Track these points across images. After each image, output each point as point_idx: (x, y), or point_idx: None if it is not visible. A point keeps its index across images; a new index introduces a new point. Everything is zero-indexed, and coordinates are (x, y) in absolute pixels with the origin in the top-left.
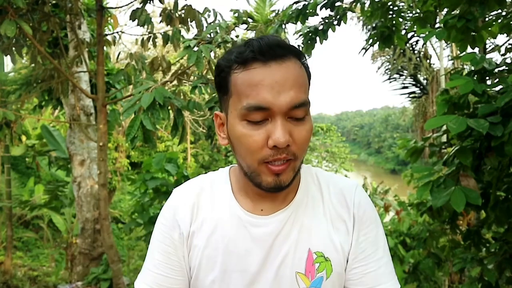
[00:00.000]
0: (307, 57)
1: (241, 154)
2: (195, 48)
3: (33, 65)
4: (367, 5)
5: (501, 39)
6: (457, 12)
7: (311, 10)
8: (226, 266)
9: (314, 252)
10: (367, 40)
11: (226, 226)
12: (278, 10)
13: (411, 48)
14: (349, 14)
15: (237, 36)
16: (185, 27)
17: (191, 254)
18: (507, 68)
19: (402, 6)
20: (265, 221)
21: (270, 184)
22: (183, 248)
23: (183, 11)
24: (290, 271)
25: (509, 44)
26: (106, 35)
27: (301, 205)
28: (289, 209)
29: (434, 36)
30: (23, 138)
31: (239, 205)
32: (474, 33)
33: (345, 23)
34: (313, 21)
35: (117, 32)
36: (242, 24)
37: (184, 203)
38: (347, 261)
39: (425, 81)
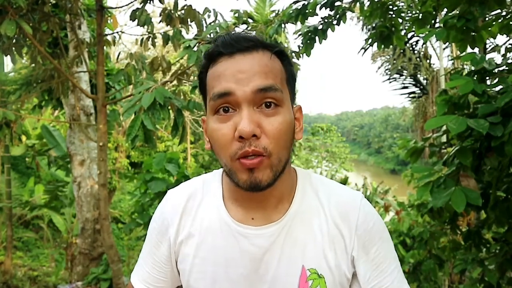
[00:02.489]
0: (286, 54)
1: (216, 152)
2: (195, 48)
3: (33, 65)
4: (366, 5)
5: (501, 39)
6: (457, 12)
7: (310, 10)
8: (216, 276)
9: (307, 269)
10: (366, 40)
11: (216, 236)
12: (278, 10)
13: (411, 48)
14: (349, 14)
15: None
16: (185, 27)
17: (181, 260)
18: (507, 68)
19: (402, 6)
20: (255, 232)
21: (246, 182)
22: (169, 254)
23: (183, 11)
24: (282, 287)
25: (509, 44)
26: (106, 35)
27: (296, 218)
28: (283, 222)
29: (434, 36)
30: (23, 138)
31: (228, 213)
32: (474, 33)
33: (344, 22)
34: (312, 21)
35: (117, 32)
36: (242, 24)
37: (173, 209)
38: (345, 279)
39: (425, 81)
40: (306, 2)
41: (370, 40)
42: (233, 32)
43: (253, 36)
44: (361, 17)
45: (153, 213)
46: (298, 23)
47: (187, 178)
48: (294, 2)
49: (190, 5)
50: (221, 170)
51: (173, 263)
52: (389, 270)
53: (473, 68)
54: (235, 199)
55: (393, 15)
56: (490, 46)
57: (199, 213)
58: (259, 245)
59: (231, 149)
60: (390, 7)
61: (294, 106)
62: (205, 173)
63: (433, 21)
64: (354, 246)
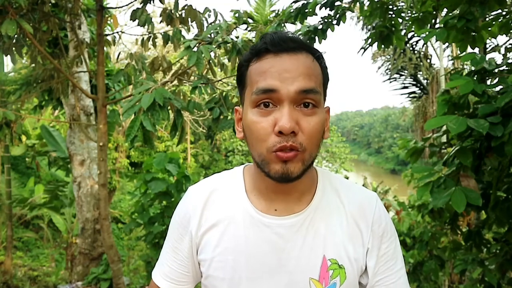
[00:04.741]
0: (323, 58)
1: (252, 143)
2: (195, 49)
3: (33, 65)
4: (366, 5)
5: (502, 39)
6: (457, 12)
7: (310, 10)
8: (236, 266)
9: (328, 259)
10: (366, 40)
11: (238, 225)
12: (278, 10)
13: (411, 48)
14: (350, 14)
15: (237, 37)
16: (186, 27)
17: (202, 251)
18: (507, 68)
19: (402, 6)
20: (278, 222)
21: (278, 172)
22: (191, 246)
23: (183, 11)
24: (303, 277)
25: (509, 44)
26: (106, 35)
27: (318, 211)
28: (305, 213)
29: (434, 36)
30: (23, 138)
31: (251, 204)
32: (474, 33)
33: (344, 22)
34: (312, 21)
35: (117, 32)
36: (242, 24)
37: (195, 202)
38: (361, 273)
39: (425, 81)
40: (305, 2)
41: (369, 40)
42: (280, 31)
43: (298, 38)
44: (361, 17)
45: (153, 213)
46: (298, 23)
47: (187, 178)
48: (294, 2)
49: (191, 5)
50: (241, 166)
51: (194, 256)
52: (396, 268)
53: (473, 68)
54: (259, 191)
55: (393, 15)
56: (490, 46)
57: (221, 205)
58: (282, 234)
59: (269, 142)
60: (390, 7)
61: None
62: (205, 173)
63: (433, 21)
64: (369, 240)
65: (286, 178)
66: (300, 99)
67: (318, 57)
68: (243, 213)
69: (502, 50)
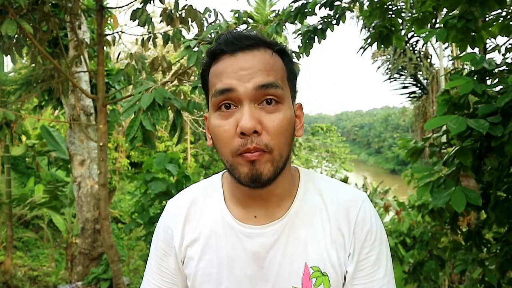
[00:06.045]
0: (292, 54)
1: (218, 148)
2: (195, 49)
3: (33, 65)
4: (366, 5)
5: (502, 39)
6: (457, 12)
7: (309, 9)
8: (220, 278)
9: (310, 267)
10: (365, 40)
11: (219, 237)
12: (278, 10)
13: (411, 48)
14: (350, 14)
15: None
16: (186, 27)
17: (186, 265)
18: (507, 68)
19: (402, 6)
20: (258, 231)
21: (248, 174)
22: (175, 262)
23: (183, 11)
24: (286, 286)
25: (509, 44)
26: (106, 35)
27: (298, 215)
28: (285, 220)
29: (434, 36)
30: (23, 138)
31: (230, 214)
32: (474, 33)
33: (344, 22)
34: (311, 21)
35: (117, 32)
36: (242, 24)
37: (175, 217)
38: (344, 279)
39: (425, 81)
40: (305, 2)
41: (369, 40)
42: (235, 31)
43: (254, 34)
44: (361, 17)
45: (153, 213)
46: (298, 23)
47: (187, 178)
48: (294, 1)
49: (191, 5)
50: (220, 173)
51: (182, 271)
52: (376, 276)
53: (473, 68)
54: (237, 198)
55: (393, 15)
56: (490, 46)
57: (202, 217)
58: (262, 243)
59: (232, 145)
60: (390, 7)
61: (295, 103)
62: (205, 173)
63: (433, 21)
64: (351, 244)
65: (256, 180)
66: (260, 96)
67: (279, 51)
68: (223, 224)
69: (502, 50)
